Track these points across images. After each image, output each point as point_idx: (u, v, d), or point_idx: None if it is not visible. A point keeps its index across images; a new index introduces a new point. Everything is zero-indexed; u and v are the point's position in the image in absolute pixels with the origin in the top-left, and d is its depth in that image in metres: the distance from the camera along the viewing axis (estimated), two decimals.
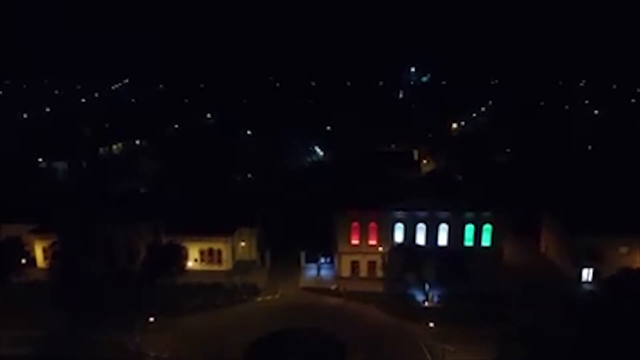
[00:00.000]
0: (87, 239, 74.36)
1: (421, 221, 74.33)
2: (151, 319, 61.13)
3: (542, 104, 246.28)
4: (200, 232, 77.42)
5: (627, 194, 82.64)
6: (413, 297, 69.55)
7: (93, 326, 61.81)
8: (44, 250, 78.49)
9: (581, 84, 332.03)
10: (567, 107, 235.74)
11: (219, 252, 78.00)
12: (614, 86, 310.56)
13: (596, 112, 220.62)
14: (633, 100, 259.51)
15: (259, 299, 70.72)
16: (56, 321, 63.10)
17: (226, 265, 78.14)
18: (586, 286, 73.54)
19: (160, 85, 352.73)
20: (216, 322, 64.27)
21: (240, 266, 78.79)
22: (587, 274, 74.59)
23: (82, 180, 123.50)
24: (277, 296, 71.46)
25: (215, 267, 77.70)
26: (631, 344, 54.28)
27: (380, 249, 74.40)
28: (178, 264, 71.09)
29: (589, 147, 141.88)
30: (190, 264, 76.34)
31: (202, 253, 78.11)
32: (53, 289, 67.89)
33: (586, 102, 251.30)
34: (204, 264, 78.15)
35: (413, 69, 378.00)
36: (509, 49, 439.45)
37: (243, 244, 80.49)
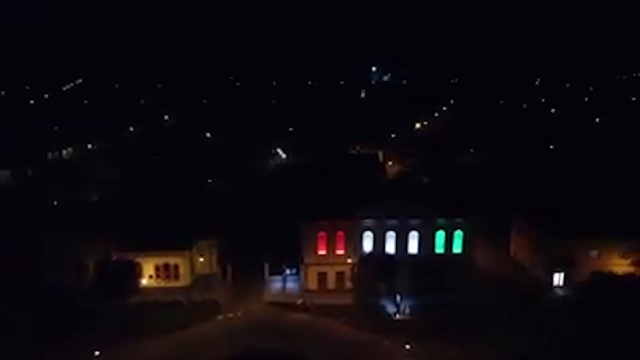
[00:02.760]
0: (29, 255, 68.07)
1: (391, 229, 71.12)
2: (103, 345, 55.59)
3: (501, 102, 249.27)
4: (154, 246, 71.46)
5: (594, 196, 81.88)
6: (384, 309, 66.35)
7: (33, 356, 55.59)
8: None
9: (536, 83, 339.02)
10: (525, 105, 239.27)
11: (176, 266, 72.41)
12: (567, 85, 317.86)
13: (553, 110, 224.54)
14: (586, 99, 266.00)
15: (221, 316, 65.90)
16: None
17: (184, 280, 72.63)
18: (558, 291, 72.19)
19: (116, 85, 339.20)
20: (173, 346, 58.91)
21: (200, 281, 73.47)
22: (558, 279, 73.31)
23: (27, 188, 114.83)
24: (239, 313, 66.77)
25: (172, 284, 72.06)
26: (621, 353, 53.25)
27: (349, 259, 70.71)
28: (131, 281, 65.57)
29: (551, 146, 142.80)
30: (144, 281, 70.64)
31: (157, 269, 72.26)
32: None
33: (542, 100, 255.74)
34: (159, 280, 72.45)
35: (374, 68, 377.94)
36: (468, 48, 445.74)
37: (202, 259, 75.11)
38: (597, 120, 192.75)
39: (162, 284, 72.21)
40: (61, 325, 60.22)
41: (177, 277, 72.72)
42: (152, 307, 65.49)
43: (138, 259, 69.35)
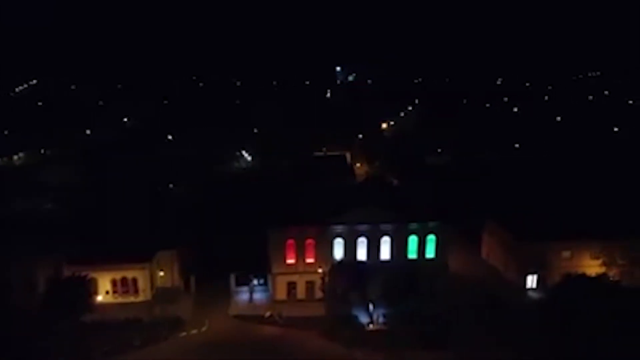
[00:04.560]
0: None
1: (362, 235, 68.50)
2: None
3: (464, 101, 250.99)
4: (111, 258, 66.56)
5: (565, 198, 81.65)
6: (357, 319, 63.60)
7: None
8: None
9: (498, 82, 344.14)
10: (488, 105, 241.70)
11: (135, 280, 67.64)
12: (527, 84, 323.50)
13: (515, 109, 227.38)
14: (546, 98, 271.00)
15: (184, 333, 61.85)
16: None
17: (144, 295, 67.96)
18: (532, 293, 71.20)
19: (72, 86, 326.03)
20: None
21: (162, 295, 68.94)
22: (531, 281, 72.41)
23: None
24: (204, 328, 62.90)
25: (131, 299, 67.42)
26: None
27: (319, 268, 67.66)
28: (85, 299, 60.73)
29: (517, 145, 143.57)
30: (100, 297, 65.79)
31: (114, 283, 67.39)
32: None
33: (505, 99, 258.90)
34: (117, 295, 67.63)
35: (339, 68, 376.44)
36: (430, 48, 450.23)
37: (162, 272, 70.55)
38: (558, 119, 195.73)
39: (120, 299, 67.53)
40: (9, 347, 55.07)
41: (136, 291, 68.06)
42: (109, 325, 60.70)
43: (93, 274, 64.56)
